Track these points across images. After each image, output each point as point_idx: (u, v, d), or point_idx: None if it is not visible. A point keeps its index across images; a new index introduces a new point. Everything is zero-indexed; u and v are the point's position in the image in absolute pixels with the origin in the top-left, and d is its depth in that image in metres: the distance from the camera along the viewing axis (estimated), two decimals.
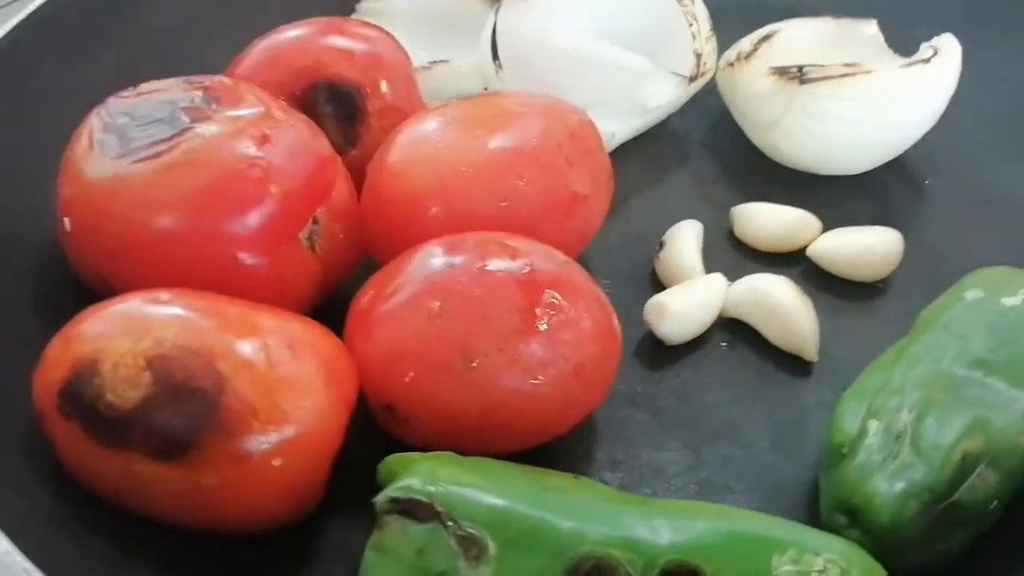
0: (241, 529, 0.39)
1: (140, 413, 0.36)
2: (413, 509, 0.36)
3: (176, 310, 0.38)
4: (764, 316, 0.49)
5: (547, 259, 0.43)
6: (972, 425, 0.40)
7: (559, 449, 0.44)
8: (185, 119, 0.42)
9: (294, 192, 0.43)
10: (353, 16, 0.64)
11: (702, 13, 0.58)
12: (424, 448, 0.40)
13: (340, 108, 0.51)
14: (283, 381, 0.38)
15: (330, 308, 0.46)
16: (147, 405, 0.36)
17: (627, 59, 0.54)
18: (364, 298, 0.42)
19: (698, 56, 0.56)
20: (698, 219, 0.54)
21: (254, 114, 0.43)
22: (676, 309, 0.48)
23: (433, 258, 0.42)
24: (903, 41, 0.58)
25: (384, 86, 0.51)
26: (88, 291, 0.43)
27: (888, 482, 0.39)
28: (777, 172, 0.58)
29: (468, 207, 0.45)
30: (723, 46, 0.60)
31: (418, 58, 0.56)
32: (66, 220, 0.43)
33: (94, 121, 0.44)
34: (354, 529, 0.41)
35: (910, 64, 0.54)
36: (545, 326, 0.40)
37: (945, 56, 0.54)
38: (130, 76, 0.47)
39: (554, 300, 0.41)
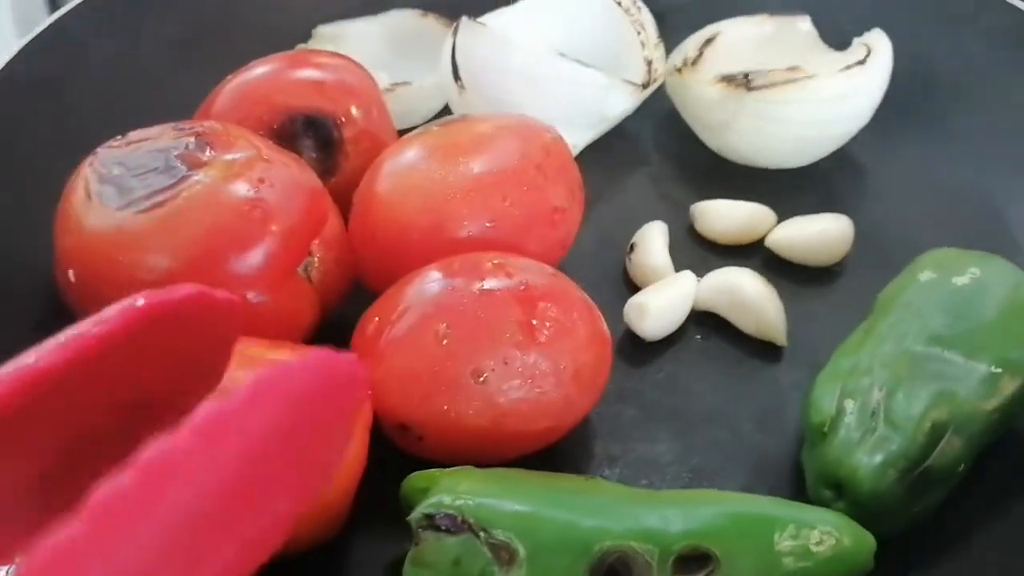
0: (280, 553, 0.41)
1: None
2: (446, 523, 0.38)
3: None
4: (735, 307, 0.53)
5: (538, 274, 0.45)
6: (937, 396, 0.44)
7: (560, 451, 0.47)
8: (182, 167, 0.44)
9: (293, 228, 0.45)
10: (311, 41, 0.65)
11: (648, 20, 0.61)
12: (437, 461, 0.43)
13: (317, 139, 0.52)
14: None
15: (320, 333, 0.48)
16: None
17: (585, 75, 0.57)
18: (370, 325, 0.45)
19: (649, 63, 0.59)
20: (660, 218, 0.58)
21: (247, 156, 0.45)
22: (655, 308, 0.51)
23: (433, 283, 0.44)
24: (833, 32, 0.62)
25: (357, 113, 0.53)
26: None
27: (868, 455, 0.43)
28: (728, 168, 0.62)
29: (458, 231, 0.47)
30: (668, 48, 0.63)
31: (380, 80, 0.58)
32: (70, 272, 0.45)
33: (88, 172, 0.45)
34: (375, 543, 0.44)
35: (848, 67, 0.57)
36: (544, 337, 0.43)
37: (878, 54, 0.58)
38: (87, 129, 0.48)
39: (550, 312, 0.44)
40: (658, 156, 0.63)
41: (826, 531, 0.40)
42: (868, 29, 0.61)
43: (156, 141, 0.46)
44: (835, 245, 0.56)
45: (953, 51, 0.62)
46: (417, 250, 0.47)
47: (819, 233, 0.56)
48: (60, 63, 0.58)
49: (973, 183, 0.59)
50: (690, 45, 0.62)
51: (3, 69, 0.55)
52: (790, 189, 0.60)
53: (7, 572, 0.23)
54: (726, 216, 0.58)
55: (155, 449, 0.21)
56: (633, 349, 0.52)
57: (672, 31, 0.64)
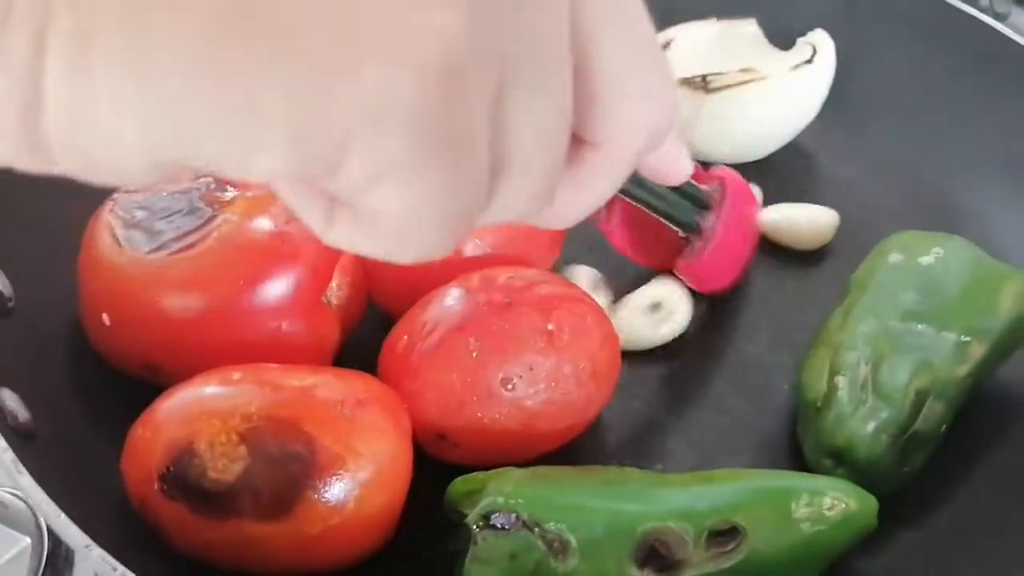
0: (337, 567, 0.44)
1: (243, 483, 0.40)
2: (501, 521, 0.42)
3: (250, 385, 0.42)
4: None
5: (549, 283, 0.49)
6: (918, 367, 0.49)
7: (579, 445, 0.50)
8: (207, 208, 0.46)
9: (318, 257, 0.47)
10: None
11: None
12: (469, 465, 0.46)
13: None
14: (360, 430, 0.43)
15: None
16: (248, 475, 0.40)
17: None
18: (399, 343, 0.47)
19: None
20: None
21: (267, 192, 0.47)
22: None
23: (456, 300, 0.47)
24: (778, 33, 0.67)
25: None
26: (114, 379, 0.47)
27: (862, 424, 0.48)
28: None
29: (467, 249, 0.50)
30: None
31: None
32: (104, 316, 0.46)
33: (111, 219, 0.47)
34: (422, 547, 0.47)
35: (797, 66, 0.62)
36: (563, 342, 0.47)
37: (823, 52, 0.63)
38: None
39: (565, 318, 0.47)
40: None
41: (836, 497, 0.44)
42: (811, 29, 0.65)
43: (175, 183, 0.48)
44: (821, 233, 0.60)
45: (887, 46, 0.67)
46: (431, 271, 0.49)
47: (807, 221, 0.60)
48: None
49: (917, 166, 0.65)
50: None
51: None
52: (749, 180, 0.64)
53: None
54: None
55: None
56: None
57: None
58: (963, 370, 0.49)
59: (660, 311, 0.55)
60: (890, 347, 0.49)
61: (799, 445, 0.51)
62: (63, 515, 0.38)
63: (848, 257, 0.56)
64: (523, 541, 0.41)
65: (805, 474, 0.47)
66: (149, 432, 0.42)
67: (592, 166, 0.28)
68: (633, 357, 0.55)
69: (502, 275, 0.48)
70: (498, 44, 0.22)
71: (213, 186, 0.47)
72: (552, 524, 0.42)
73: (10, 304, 0.48)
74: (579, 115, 0.25)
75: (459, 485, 0.44)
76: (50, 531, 0.49)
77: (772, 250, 0.60)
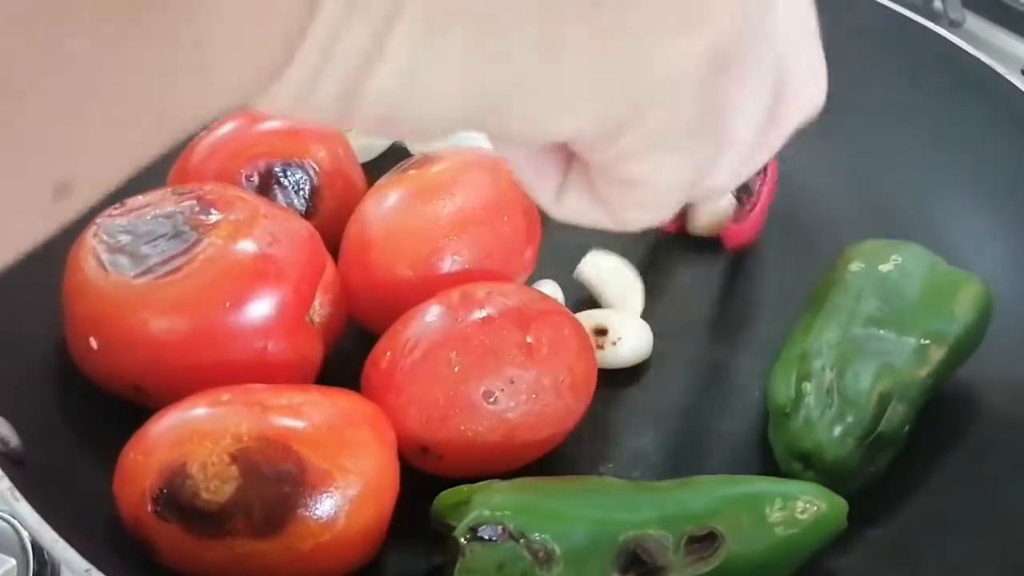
0: None
1: (235, 503, 0.41)
2: (488, 533, 0.43)
3: (240, 407, 0.43)
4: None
5: (527, 297, 0.50)
6: (880, 371, 0.51)
7: (561, 456, 0.51)
8: (191, 231, 0.47)
9: (301, 278, 0.48)
10: None
11: None
12: (453, 477, 0.47)
13: (296, 185, 0.56)
14: (347, 447, 0.44)
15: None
16: (241, 494, 0.41)
17: None
18: (382, 359, 0.48)
19: None
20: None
21: (249, 215, 0.48)
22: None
23: (437, 316, 0.48)
24: None
25: (327, 156, 0.57)
26: (103, 402, 0.48)
27: (829, 429, 0.50)
28: None
29: (447, 266, 0.52)
30: None
31: None
32: (91, 340, 0.47)
33: (94, 243, 0.47)
34: (407, 560, 0.48)
35: None
36: (542, 355, 0.48)
37: None
38: None
39: (544, 331, 0.49)
40: None
41: (808, 500, 0.46)
42: None
43: (159, 207, 0.48)
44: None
45: (843, 57, 0.69)
46: (411, 288, 0.51)
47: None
48: None
49: (876, 176, 0.67)
50: None
51: None
52: None
53: None
54: None
55: None
56: None
57: None
58: (924, 372, 0.51)
59: (605, 337, 0.55)
60: (853, 353, 0.52)
61: (771, 449, 0.52)
62: (61, 541, 0.39)
63: (813, 265, 0.58)
64: (510, 552, 0.43)
65: (777, 479, 0.48)
66: (141, 455, 0.43)
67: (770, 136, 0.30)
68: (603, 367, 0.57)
69: (481, 290, 0.50)
70: (755, 35, 0.25)
71: (197, 209, 0.48)
72: (537, 534, 0.43)
73: None
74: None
75: (445, 498, 0.46)
76: (35, 552, 0.49)
77: (741, 259, 0.62)
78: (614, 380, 0.56)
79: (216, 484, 0.41)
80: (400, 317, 0.50)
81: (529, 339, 0.48)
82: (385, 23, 0.21)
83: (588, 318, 0.56)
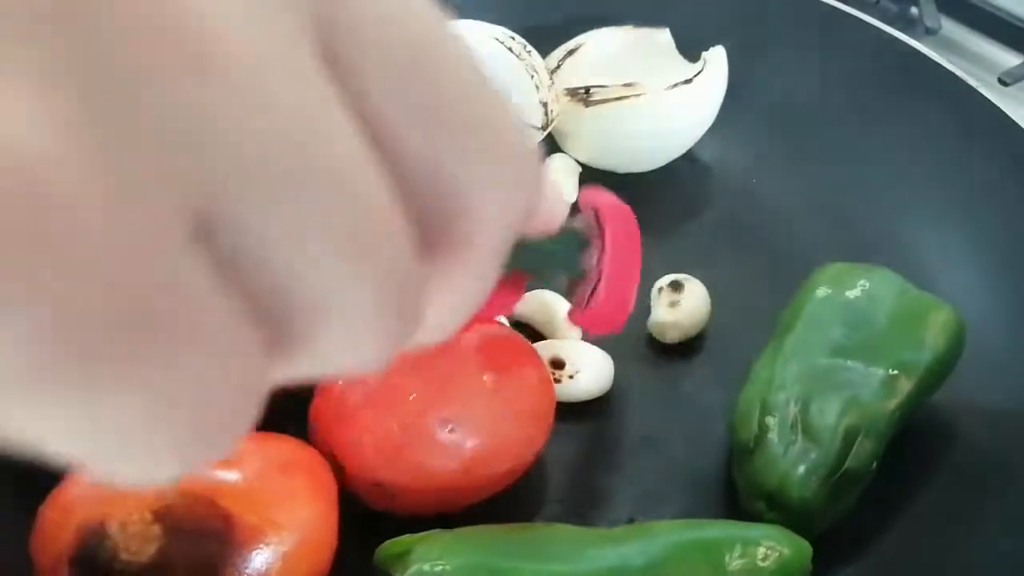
0: None
1: (159, 563, 0.39)
2: None
3: None
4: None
5: (488, 327, 0.48)
6: (846, 404, 0.48)
7: (518, 494, 0.49)
8: None
9: None
10: None
11: (539, 63, 0.64)
12: (407, 514, 0.45)
13: None
14: (280, 500, 0.41)
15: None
16: (163, 555, 0.39)
17: None
18: (334, 389, 0.46)
19: (544, 105, 0.62)
20: None
21: None
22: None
23: None
24: (693, 45, 0.66)
25: None
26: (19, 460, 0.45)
27: (792, 467, 0.47)
28: (589, 172, 0.65)
29: None
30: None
31: None
32: None
33: None
34: None
35: (674, 86, 0.61)
36: (502, 385, 0.46)
37: (709, 71, 0.62)
38: None
39: (503, 360, 0.47)
40: None
41: (770, 546, 0.44)
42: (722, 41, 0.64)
43: None
44: None
45: (812, 72, 0.67)
46: None
47: None
48: None
49: (842, 195, 0.64)
50: (554, 56, 0.66)
51: None
52: (647, 189, 0.64)
53: None
54: None
55: None
56: None
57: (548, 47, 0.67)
58: (892, 404, 0.49)
59: (562, 370, 0.53)
60: (818, 385, 0.49)
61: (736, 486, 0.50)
62: None
63: (780, 289, 0.56)
64: None
65: (738, 523, 0.46)
66: (58, 514, 0.40)
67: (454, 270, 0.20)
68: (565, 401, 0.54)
69: None
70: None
71: None
72: None
73: None
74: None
75: (388, 548, 0.43)
76: None
77: (707, 285, 0.60)
78: (574, 414, 0.54)
79: (137, 544, 0.39)
80: None
81: (487, 371, 0.46)
82: None
83: (546, 348, 0.54)
